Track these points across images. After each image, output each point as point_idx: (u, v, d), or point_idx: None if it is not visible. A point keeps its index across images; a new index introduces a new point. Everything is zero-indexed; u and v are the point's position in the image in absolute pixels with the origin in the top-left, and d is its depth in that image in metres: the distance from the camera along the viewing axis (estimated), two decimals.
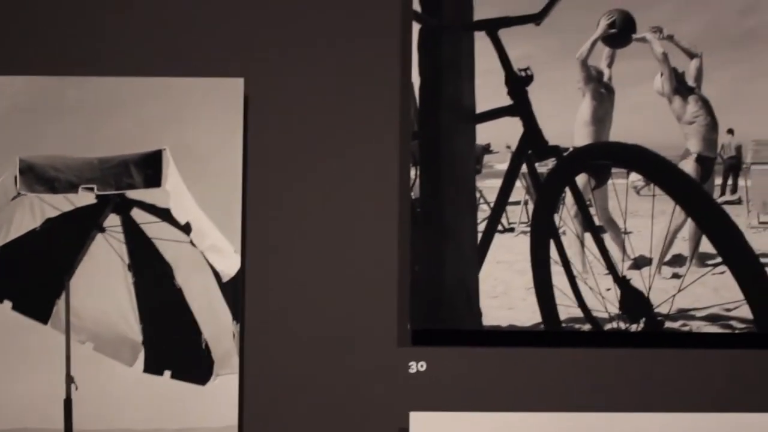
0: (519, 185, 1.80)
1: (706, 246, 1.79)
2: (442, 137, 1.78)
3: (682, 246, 1.80)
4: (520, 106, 1.79)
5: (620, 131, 1.79)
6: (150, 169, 1.73)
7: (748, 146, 1.81)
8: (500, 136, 1.80)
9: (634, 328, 1.77)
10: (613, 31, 1.79)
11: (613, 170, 1.81)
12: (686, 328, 1.77)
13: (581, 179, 1.80)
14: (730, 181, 1.83)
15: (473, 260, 1.78)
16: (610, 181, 1.80)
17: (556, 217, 1.80)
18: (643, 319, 1.78)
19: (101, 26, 1.81)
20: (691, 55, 1.81)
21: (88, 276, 1.72)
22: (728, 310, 1.78)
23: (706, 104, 1.80)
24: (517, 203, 1.81)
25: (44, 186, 1.73)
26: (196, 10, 1.82)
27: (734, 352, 1.80)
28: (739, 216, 1.80)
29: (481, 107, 1.80)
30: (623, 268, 1.79)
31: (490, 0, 1.80)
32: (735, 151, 1.82)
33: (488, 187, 1.80)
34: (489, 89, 1.80)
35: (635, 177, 1.80)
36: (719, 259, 1.78)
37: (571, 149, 1.79)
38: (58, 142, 1.74)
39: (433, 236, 1.77)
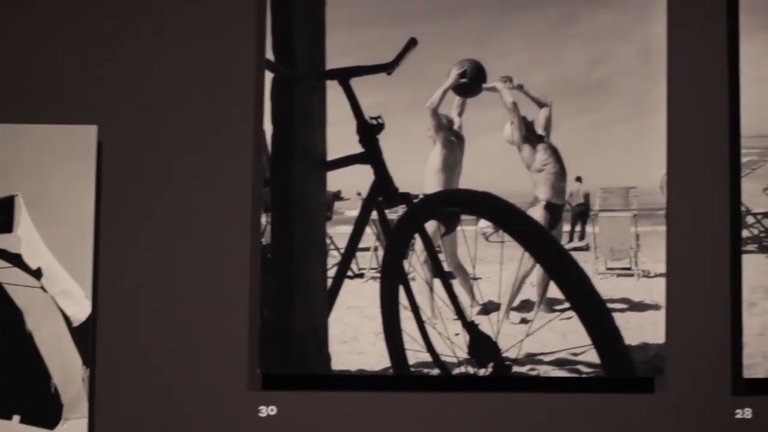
0: (369, 231, 1.99)
1: (554, 291, 1.97)
2: (294, 184, 1.97)
3: (530, 291, 1.99)
4: (371, 154, 1.97)
5: (470, 179, 1.97)
6: (1, 214, 1.91)
7: (596, 193, 2.00)
8: (351, 183, 1.98)
9: (482, 372, 1.95)
10: (463, 80, 1.98)
11: (463, 217, 1.99)
12: (534, 373, 1.95)
13: (431, 226, 1.99)
14: (578, 228, 2.02)
15: (323, 305, 1.96)
16: (459, 228, 1.99)
17: (406, 263, 1.99)
18: (492, 364, 1.96)
19: None
20: (541, 105, 2.00)
21: None
22: (576, 354, 1.96)
23: (555, 152, 1.99)
24: (367, 249, 1.99)
25: None
26: (49, 59, 2.01)
27: (582, 395, 1.98)
28: (587, 262, 1.98)
29: (332, 155, 1.98)
30: (472, 313, 1.97)
31: (342, 49, 1.98)
32: (583, 198, 2.01)
33: (339, 233, 1.99)
34: (341, 137, 1.98)
35: (484, 224, 1.98)
36: (567, 305, 1.97)
37: (421, 196, 1.98)
38: None
39: (283, 282, 1.95)
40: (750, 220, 2.00)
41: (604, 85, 1.96)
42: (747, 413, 1.98)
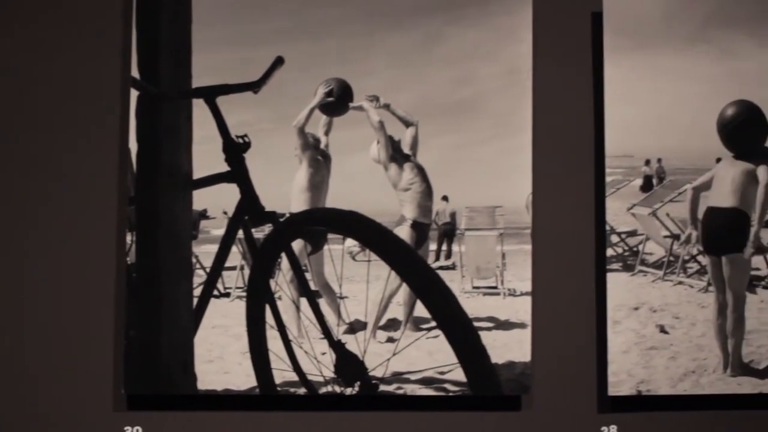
0: (235, 250, 2.12)
1: (420, 310, 2.11)
2: (159, 203, 2.09)
3: (397, 310, 2.14)
4: (237, 173, 2.10)
5: (336, 197, 2.11)
6: None
7: (462, 212, 2.15)
8: (217, 202, 2.12)
9: (349, 391, 2.09)
10: (330, 99, 2.13)
11: (330, 236, 2.13)
12: (401, 391, 2.09)
13: (297, 245, 2.13)
14: (444, 247, 2.18)
15: (189, 325, 2.09)
16: (326, 247, 2.13)
17: (272, 282, 2.12)
18: (358, 383, 2.09)
19: None
20: (407, 124, 2.15)
21: None
22: (442, 373, 2.10)
23: (421, 171, 2.14)
24: (234, 268, 2.13)
25: None
26: None
27: (448, 414, 2.13)
28: (453, 281, 2.13)
29: (198, 173, 2.11)
30: (339, 332, 2.11)
31: (209, 68, 2.12)
32: (449, 217, 2.17)
33: (205, 252, 2.12)
34: (207, 156, 2.11)
35: (351, 243, 2.12)
36: (434, 324, 2.10)
37: (287, 215, 2.11)
38: None
39: (148, 301, 2.08)
40: (614, 239, 2.17)
41: (471, 105, 2.11)
42: (612, 430, 2.13)
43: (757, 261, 2.18)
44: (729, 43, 2.12)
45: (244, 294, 2.05)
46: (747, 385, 2.10)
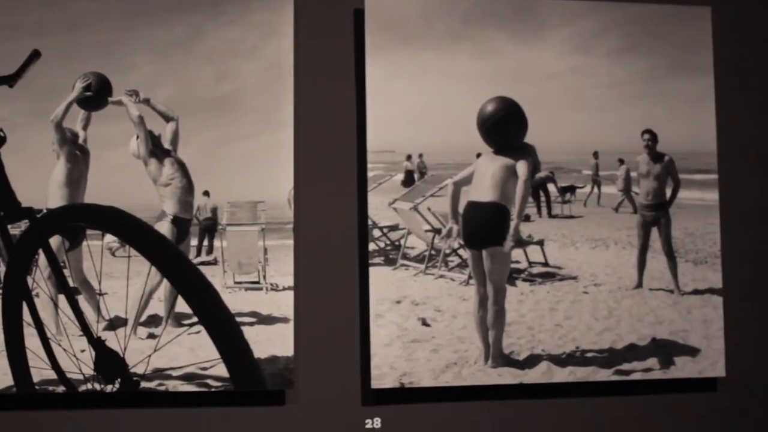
0: None
1: (182, 306, 2.45)
2: None
3: (158, 306, 2.47)
4: None
5: (95, 193, 2.43)
6: None
7: (224, 208, 2.51)
8: None
9: (110, 389, 2.42)
10: (88, 93, 2.45)
11: (88, 232, 2.45)
12: (163, 388, 2.42)
13: (55, 241, 2.44)
14: (206, 242, 2.53)
15: None
16: (84, 243, 2.44)
17: (29, 279, 2.43)
18: (119, 380, 2.42)
19: None
20: (168, 119, 2.49)
21: None
22: (205, 369, 2.44)
23: (182, 167, 2.48)
24: None
25: None
26: None
27: (212, 410, 2.47)
28: (215, 276, 2.48)
29: None
30: (98, 329, 2.44)
31: None
32: (211, 212, 2.52)
33: None
34: None
35: (111, 238, 2.45)
36: (195, 319, 2.45)
37: (44, 211, 2.43)
38: None
39: None
40: (377, 233, 2.56)
41: (232, 101, 2.46)
42: (377, 423, 2.52)
43: (517, 254, 2.60)
44: (488, 41, 2.55)
45: (0, 291, 2.31)
46: (508, 376, 2.51)
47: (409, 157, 2.49)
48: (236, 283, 2.39)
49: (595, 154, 2.56)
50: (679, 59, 2.56)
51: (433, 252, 2.51)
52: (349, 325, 2.45)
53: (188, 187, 2.36)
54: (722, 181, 2.60)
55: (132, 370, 2.36)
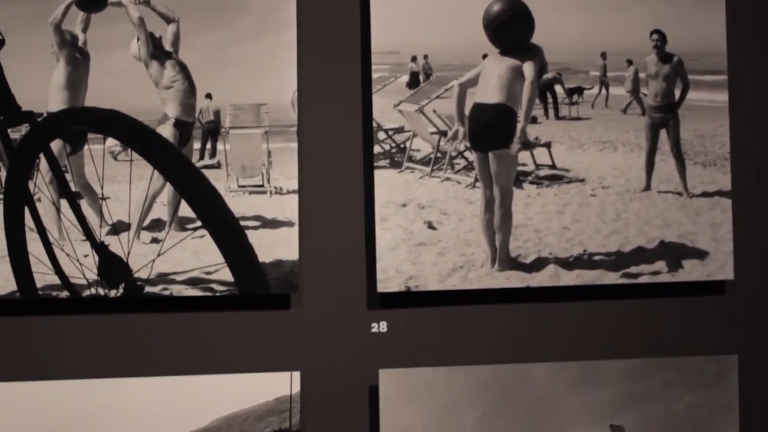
0: None
1: (185, 210, 2.44)
2: None
3: (161, 211, 2.46)
4: None
5: (96, 96, 2.41)
6: None
7: (227, 111, 2.48)
8: None
9: (113, 293, 2.42)
10: None
11: (90, 136, 2.43)
12: (167, 292, 2.42)
13: (56, 145, 2.42)
14: (209, 146, 2.51)
15: None
16: (86, 147, 2.43)
17: (31, 184, 2.42)
18: (123, 285, 2.42)
19: None
20: (168, 20, 2.45)
21: None
22: (209, 273, 2.44)
23: (184, 69, 2.46)
24: None
25: None
26: None
27: (217, 314, 2.48)
28: (218, 180, 2.46)
29: None
30: (101, 234, 2.43)
31: None
32: (213, 115, 2.50)
33: None
34: None
35: (112, 142, 2.43)
36: (199, 223, 2.44)
37: (45, 115, 2.42)
38: None
39: None
40: (381, 135, 2.54)
41: (234, 2, 2.42)
42: (383, 326, 2.52)
43: (524, 156, 2.58)
44: None
45: (1, 196, 2.30)
46: (514, 279, 2.51)
47: (414, 59, 2.46)
48: (240, 186, 2.38)
49: (603, 55, 2.52)
50: None
51: (438, 154, 2.49)
52: (354, 229, 2.44)
53: (190, 90, 2.35)
54: (732, 82, 2.55)
55: (136, 275, 2.37)
